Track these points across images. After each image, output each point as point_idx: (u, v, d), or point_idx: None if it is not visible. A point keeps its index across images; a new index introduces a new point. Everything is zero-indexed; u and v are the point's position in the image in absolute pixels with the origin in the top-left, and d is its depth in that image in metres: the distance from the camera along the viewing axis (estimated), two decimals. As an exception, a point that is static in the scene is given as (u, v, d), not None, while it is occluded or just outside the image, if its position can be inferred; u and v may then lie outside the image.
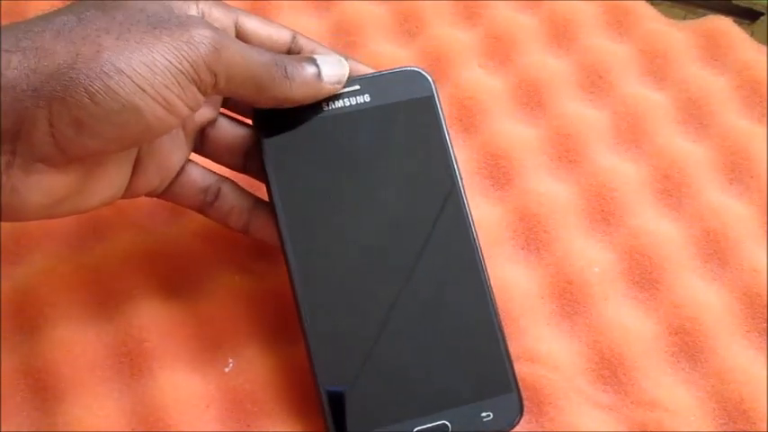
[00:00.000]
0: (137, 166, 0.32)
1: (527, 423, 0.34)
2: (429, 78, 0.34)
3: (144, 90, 0.26)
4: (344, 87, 0.33)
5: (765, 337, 0.36)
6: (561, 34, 0.46)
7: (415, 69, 0.34)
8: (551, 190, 0.40)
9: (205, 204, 0.34)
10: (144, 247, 0.37)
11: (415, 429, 0.31)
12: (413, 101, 0.34)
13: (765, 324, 0.37)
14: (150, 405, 0.34)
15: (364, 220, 0.33)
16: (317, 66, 0.32)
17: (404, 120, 0.34)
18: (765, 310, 0.37)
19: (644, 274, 0.38)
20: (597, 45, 0.45)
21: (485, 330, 0.32)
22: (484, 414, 0.31)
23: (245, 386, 0.34)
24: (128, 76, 0.26)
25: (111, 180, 0.31)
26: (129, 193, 0.32)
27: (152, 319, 0.35)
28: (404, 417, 0.31)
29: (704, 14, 0.47)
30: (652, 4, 0.47)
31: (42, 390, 0.34)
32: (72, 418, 0.33)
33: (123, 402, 0.34)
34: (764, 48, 0.45)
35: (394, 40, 0.46)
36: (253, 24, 0.32)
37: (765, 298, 0.37)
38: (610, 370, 0.35)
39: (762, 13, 0.48)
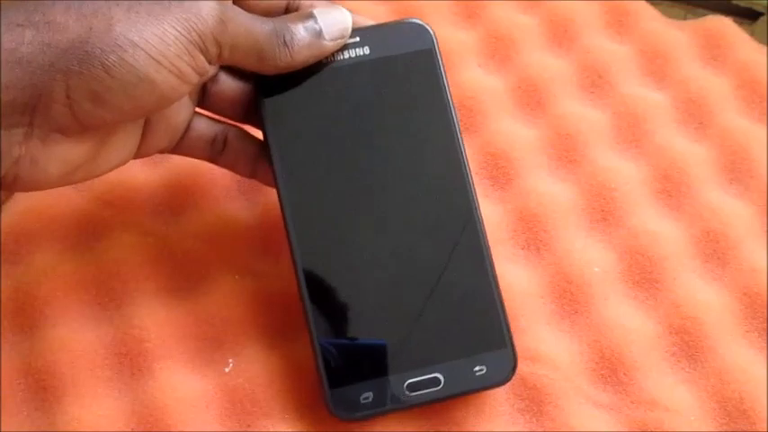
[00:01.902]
0: (146, 128, 0.32)
1: (527, 423, 0.34)
2: (430, 31, 0.34)
3: (158, 61, 0.27)
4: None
5: (765, 337, 0.36)
6: (561, 34, 0.46)
7: (416, 21, 0.34)
8: (551, 190, 0.40)
9: (214, 154, 0.35)
10: (144, 247, 0.37)
11: (408, 382, 0.31)
12: (413, 53, 0.34)
13: (765, 324, 0.37)
14: (150, 405, 0.34)
15: (362, 171, 0.33)
16: (318, 23, 0.32)
17: (403, 72, 0.34)
18: (765, 310, 0.37)
19: (644, 274, 0.38)
20: (597, 45, 0.45)
21: (481, 285, 0.32)
22: (477, 368, 0.32)
23: (245, 386, 0.34)
24: (142, 49, 0.27)
25: (124, 145, 0.32)
26: (139, 154, 0.33)
27: (152, 319, 0.35)
28: (396, 369, 0.31)
29: (704, 14, 0.47)
30: (652, 4, 0.47)
31: (42, 390, 0.34)
32: (72, 418, 0.33)
33: (123, 402, 0.34)
34: (764, 48, 0.45)
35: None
36: None
37: (765, 298, 0.37)
38: (610, 369, 0.35)
39: (762, 13, 0.48)
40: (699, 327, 0.36)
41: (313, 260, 0.32)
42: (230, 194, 0.39)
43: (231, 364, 0.35)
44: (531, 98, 0.43)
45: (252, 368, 0.35)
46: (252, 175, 0.35)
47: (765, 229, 0.39)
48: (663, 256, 0.38)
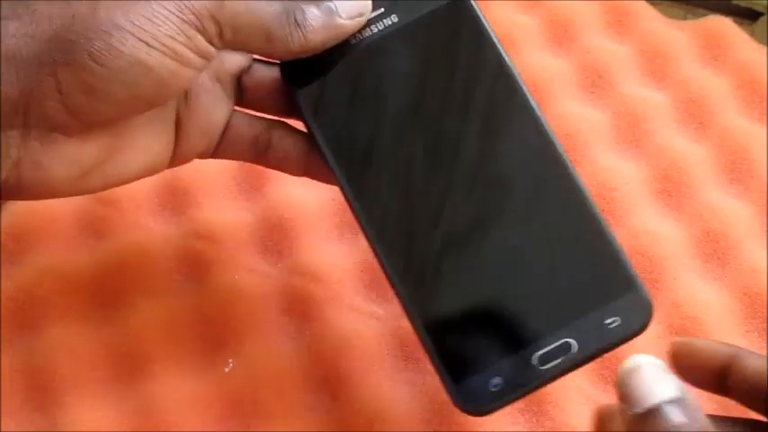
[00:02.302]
0: (179, 131, 0.31)
1: (527, 423, 0.34)
2: None
3: (148, 43, 0.25)
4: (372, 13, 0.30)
5: (765, 337, 0.36)
6: (561, 34, 0.45)
7: None
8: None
9: (258, 155, 0.32)
10: (144, 246, 0.37)
11: (536, 354, 0.27)
12: (445, 6, 0.30)
13: (765, 324, 0.37)
14: (150, 405, 0.34)
15: (428, 143, 0.30)
16: (332, 1, 0.29)
17: (442, 30, 0.30)
18: (765, 310, 0.37)
19: (644, 274, 0.38)
20: (597, 45, 0.45)
21: (588, 227, 0.28)
22: (609, 321, 0.27)
23: (245, 386, 0.34)
24: (128, 32, 0.25)
25: (146, 147, 0.30)
26: (176, 160, 0.31)
27: (152, 319, 0.35)
28: (521, 344, 0.27)
29: (704, 14, 0.47)
30: (652, 4, 0.47)
31: (42, 390, 0.34)
32: (72, 418, 0.33)
33: (123, 402, 0.34)
34: (764, 48, 0.45)
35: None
36: None
37: (765, 298, 0.37)
38: (611, 369, 0.35)
39: (762, 13, 0.48)
40: (699, 327, 0.36)
41: (399, 248, 0.29)
42: (230, 194, 0.39)
43: (231, 364, 0.35)
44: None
45: (252, 368, 0.35)
46: (304, 172, 0.33)
47: (765, 229, 0.39)
48: (663, 256, 0.38)
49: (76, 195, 0.29)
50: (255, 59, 0.32)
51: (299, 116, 0.31)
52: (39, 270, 0.36)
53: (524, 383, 0.27)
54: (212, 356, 0.35)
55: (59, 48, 0.25)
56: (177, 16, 0.26)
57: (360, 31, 0.30)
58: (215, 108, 0.31)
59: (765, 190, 0.40)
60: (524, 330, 0.28)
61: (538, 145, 0.29)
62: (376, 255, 0.29)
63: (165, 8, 0.25)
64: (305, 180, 0.34)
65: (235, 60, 0.32)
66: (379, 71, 0.30)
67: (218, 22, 0.27)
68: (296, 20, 0.28)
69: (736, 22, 0.46)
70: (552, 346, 0.27)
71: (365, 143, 0.30)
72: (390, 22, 0.30)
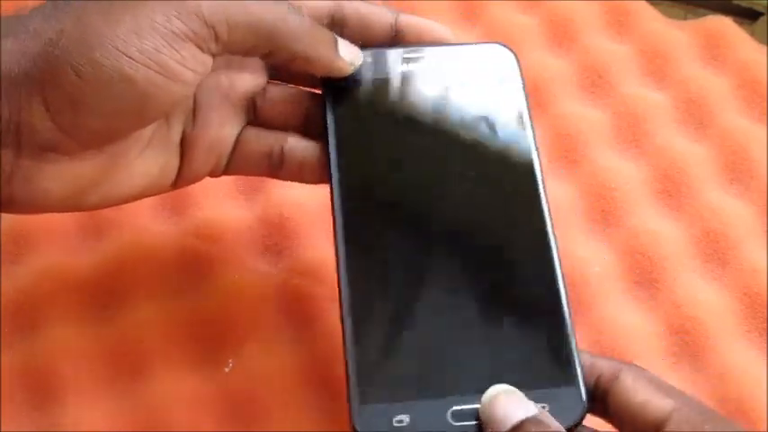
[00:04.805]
0: (185, 149, 0.30)
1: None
2: (511, 52, 0.32)
3: (131, 57, 0.24)
4: (422, 53, 0.31)
5: (765, 337, 0.36)
6: (561, 34, 0.45)
7: (499, 46, 0.32)
8: (551, 190, 0.40)
9: (273, 168, 0.32)
10: (144, 246, 0.37)
11: (453, 408, 0.26)
12: (493, 72, 0.32)
13: (765, 324, 0.37)
14: (150, 405, 0.34)
15: (428, 182, 0.30)
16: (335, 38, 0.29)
17: (481, 91, 0.31)
18: (765, 310, 0.37)
19: (644, 274, 0.38)
20: (597, 45, 0.45)
21: (552, 313, 0.28)
22: (539, 406, 0.26)
23: (245, 386, 0.34)
24: (112, 45, 0.24)
25: (144, 167, 0.29)
26: (182, 180, 0.31)
27: (152, 319, 0.35)
28: (441, 392, 0.26)
29: (704, 14, 0.47)
30: (652, 4, 0.47)
31: (42, 390, 0.34)
32: (72, 418, 0.33)
33: (123, 402, 0.34)
34: (764, 48, 0.45)
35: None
36: None
37: (765, 298, 0.37)
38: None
39: (762, 13, 0.48)
40: (699, 327, 0.36)
41: (360, 260, 0.28)
42: (230, 194, 0.39)
43: (231, 364, 0.35)
44: (531, 98, 0.43)
45: (252, 368, 0.35)
46: (320, 179, 0.31)
47: (765, 229, 0.39)
48: (663, 256, 0.38)
49: (72, 212, 0.29)
50: (270, 82, 0.32)
51: (320, 127, 0.31)
52: (38, 270, 0.36)
53: (430, 431, 0.26)
54: (212, 356, 0.35)
55: (46, 64, 0.24)
56: (163, 26, 0.25)
57: (408, 63, 0.31)
58: (224, 126, 0.31)
59: (765, 190, 0.40)
60: (450, 381, 0.27)
61: (530, 220, 0.30)
62: (336, 257, 0.29)
63: (151, 18, 0.25)
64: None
65: (246, 79, 0.31)
66: (409, 108, 0.31)
67: (211, 25, 0.26)
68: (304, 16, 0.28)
69: (736, 21, 0.46)
70: (471, 407, 0.26)
71: (372, 164, 0.30)
72: (438, 67, 0.31)
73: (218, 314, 0.36)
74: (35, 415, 0.34)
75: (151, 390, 0.34)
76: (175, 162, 0.30)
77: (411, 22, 0.31)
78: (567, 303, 0.28)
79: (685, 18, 0.48)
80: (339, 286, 0.28)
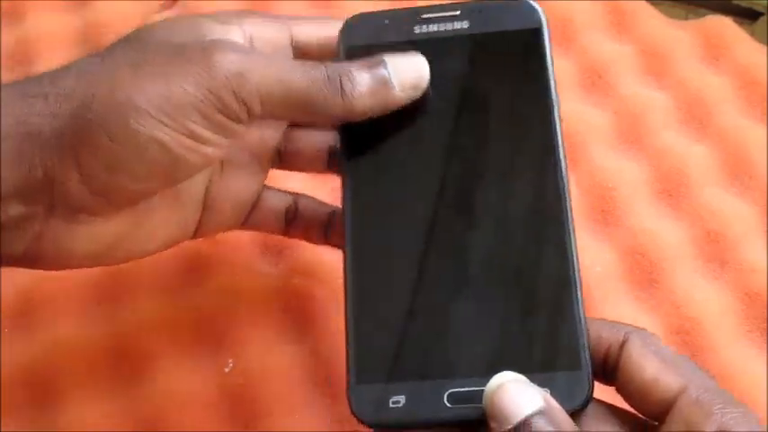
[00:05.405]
0: (209, 203, 0.30)
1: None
2: (538, 9, 0.30)
3: (164, 123, 0.25)
4: (443, 12, 0.29)
5: (765, 337, 0.36)
6: (561, 34, 0.45)
7: (526, 0, 0.30)
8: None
9: (285, 227, 0.33)
10: (144, 247, 0.37)
11: (449, 390, 0.25)
12: (517, 32, 0.30)
13: (765, 324, 0.37)
14: (150, 405, 0.34)
15: (440, 155, 0.29)
16: (387, 69, 0.27)
17: (504, 51, 0.30)
18: (765, 310, 0.37)
19: (644, 274, 0.38)
20: (597, 45, 0.45)
21: (562, 297, 0.27)
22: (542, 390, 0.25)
23: (245, 386, 0.34)
24: (145, 111, 0.25)
25: (169, 222, 0.29)
26: (202, 233, 0.31)
27: (152, 319, 0.35)
28: (439, 374, 0.26)
29: (705, 14, 0.47)
30: (653, 4, 0.47)
31: (42, 390, 0.34)
32: (72, 418, 0.33)
33: (123, 402, 0.34)
34: (764, 48, 0.45)
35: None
36: (307, 31, 0.30)
37: (765, 298, 0.37)
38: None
39: (762, 13, 0.48)
40: (699, 327, 0.36)
41: (364, 237, 0.28)
42: (230, 194, 0.39)
43: (231, 364, 0.35)
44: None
45: (252, 368, 0.35)
46: (325, 240, 0.33)
47: (765, 229, 0.39)
48: (663, 256, 0.38)
49: (94, 267, 0.29)
50: (291, 125, 0.32)
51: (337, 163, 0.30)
52: (38, 271, 0.36)
53: (424, 413, 0.25)
54: (212, 356, 0.35)
55: (79, 128, 0.25)
56: (194, 96, 0.25)
57: (428, 24, 0.30)
58: (248, 183, 0.31)
59: (765, 190, 0.40)
60: (449, 363, 0.26)
61: (549, 207, 0.28)
62: (342, 220, 0.28)
63: (183, 87, 0.25)
64: (305, 179, 0.34)
65: (274, 135, 0.32)
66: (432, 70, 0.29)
67: (243, 100, 0.26)
68: (342, 86, 0.27)
69: (736, 21, 0.46)
70: (468, 389, 0.25)
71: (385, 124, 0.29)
72: (460, 26, 0.30)
73: (218, 314, 0.36)
74: (35, 415, 0.34)
75: (151, 390, 0.34)
76: (197, 216, 0.30)
77: None
78: (578, 284, 0.27)
79: (686, 18, 0.48)
80: (344, 264, 0.28)
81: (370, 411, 0.26)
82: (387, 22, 0.30)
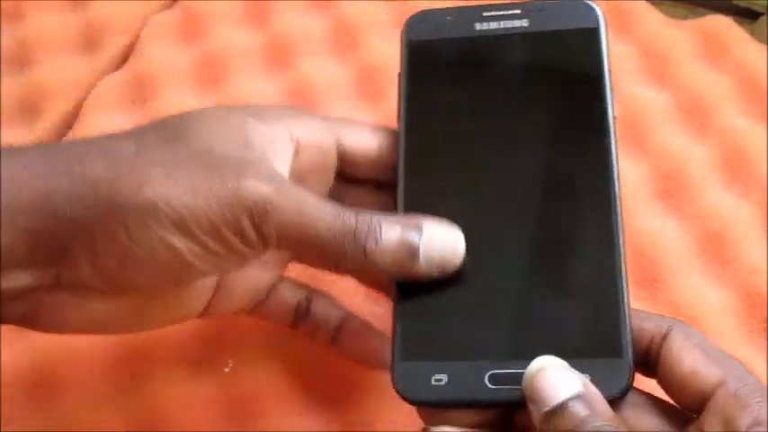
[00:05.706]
0: (221, 287, 0.30)
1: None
2: (596, 9, 0.31)
3: (182, 231, 0.25)
4: (504, 10, 0.31)
5: (766, 338, 0.36)
6: (561, 34, 0.45)
7: (583, 1, 0.31)
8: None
9: (293, 321, 0.33)
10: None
11: (491, 371, 0.26)
12: (575, 30, 0.30)
13: (765, 324, 0.37)
14: (150, 405, 0.34)
15: (495, 147, 0.29)
16: (420, 236, 0.26)
17: (562, 50, 0.30)
18: (765, 310, 0.37)
19: (644, 274, 0.38)
20: (597, 45, 0.45)
21: (608, 285, 0.27)
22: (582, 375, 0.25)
23: (245, 386, 0.34)
24: (166, 216, 0.24)
25: (176, 307, 0.29)
26: (209, 314, 0.31)
27: (152, 319, 0.35)
28: (482, 355, 0.26)
29: (705, 14, 0.47)
30: (654, 4, 0.47)
31: (42, 390, 0.34)
32: (72, 418, 0.33)
33: (123, 402, 0.34)
34: (764, 48, 0.45)
35: (394, 39, 0.45)
36: (353, 139, 0.30)
37: (765, 298, 0.37)
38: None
39: (762, 13, 0.48)
40: (699, 327, 0.36)
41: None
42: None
43: (231, 365, 0.35)
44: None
45: (252, 368, 0.35)
46: (331, 343, 0.33)
47: (765, 229, 0.39)
48: (663, 255, 0.38)
49: (94, 334, 0.29)
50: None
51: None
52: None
53: (466, 393, 0.26)
54: (212, 356, 0.35)
55: (100, 216, 0.25)
56: (216, 215, 0.25)
57: (488, 21, 0.31)
58: (265, 275, 0.31)
59: (765, 190, 0.40)
60: (492, 344, 0.27)
61: (599, 196, 0.28)
62: (395, 199, 0.29)
63: (208, 203, 0.25)
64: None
65: None
66: (485, 62, 0.31)
67: (260, 232, 0.25)
68: (365, 246, 0.26)
69: (736, 21, 0.46)
70: (509, 371, 0.26)
71: (442, 114, 0.30)
72: (519, 25, 0.31)
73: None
74: (35, 415, 0.34)
75: (151, 390, 0.34)
76: (207, 299, 0.30)
77: None
78: (625, 274, 0.27)
79: (686, 18, 0.48)
80: None
81: (412, 388, 0.26)
82: (449, 18, 0.31)
